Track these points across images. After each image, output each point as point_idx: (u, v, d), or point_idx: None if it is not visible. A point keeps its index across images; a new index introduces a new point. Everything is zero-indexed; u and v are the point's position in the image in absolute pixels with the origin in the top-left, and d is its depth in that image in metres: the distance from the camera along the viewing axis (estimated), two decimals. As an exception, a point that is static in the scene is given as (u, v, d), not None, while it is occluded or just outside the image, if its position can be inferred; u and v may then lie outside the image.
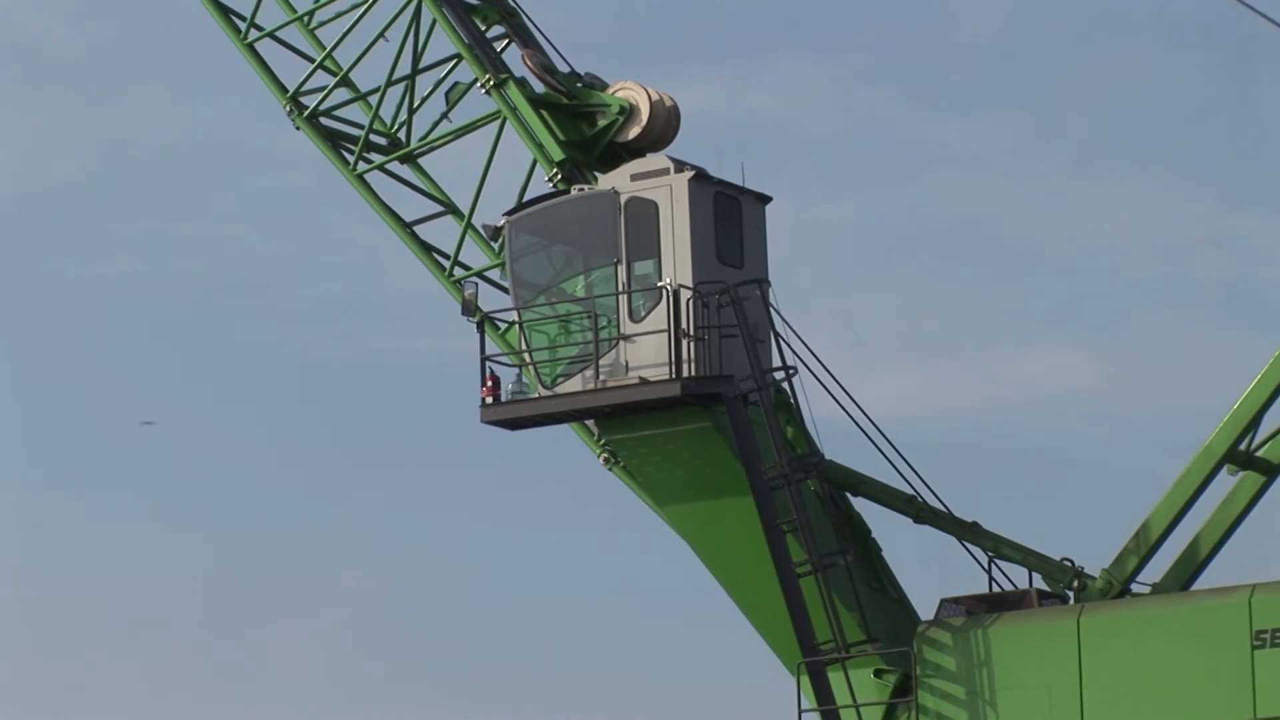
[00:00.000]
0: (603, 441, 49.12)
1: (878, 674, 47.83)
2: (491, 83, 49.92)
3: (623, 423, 48.65)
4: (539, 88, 50.14)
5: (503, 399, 49.12)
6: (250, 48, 51.89)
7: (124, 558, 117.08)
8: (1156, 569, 48.13)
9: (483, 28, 51.15)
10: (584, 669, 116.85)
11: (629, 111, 49.92)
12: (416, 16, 50.44)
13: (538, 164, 49.83)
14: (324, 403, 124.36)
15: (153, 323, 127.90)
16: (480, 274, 50.36)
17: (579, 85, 50.59)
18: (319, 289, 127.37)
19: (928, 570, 50.54)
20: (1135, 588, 48.11)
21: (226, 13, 52.16)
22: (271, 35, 51.97)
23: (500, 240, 49.58)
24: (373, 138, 51.46)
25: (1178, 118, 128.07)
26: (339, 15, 51.51)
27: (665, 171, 48.37)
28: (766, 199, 49.28)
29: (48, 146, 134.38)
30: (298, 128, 51.71)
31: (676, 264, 48.13)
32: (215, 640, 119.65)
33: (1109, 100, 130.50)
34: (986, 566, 48.97)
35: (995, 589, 48.78)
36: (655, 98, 49.93)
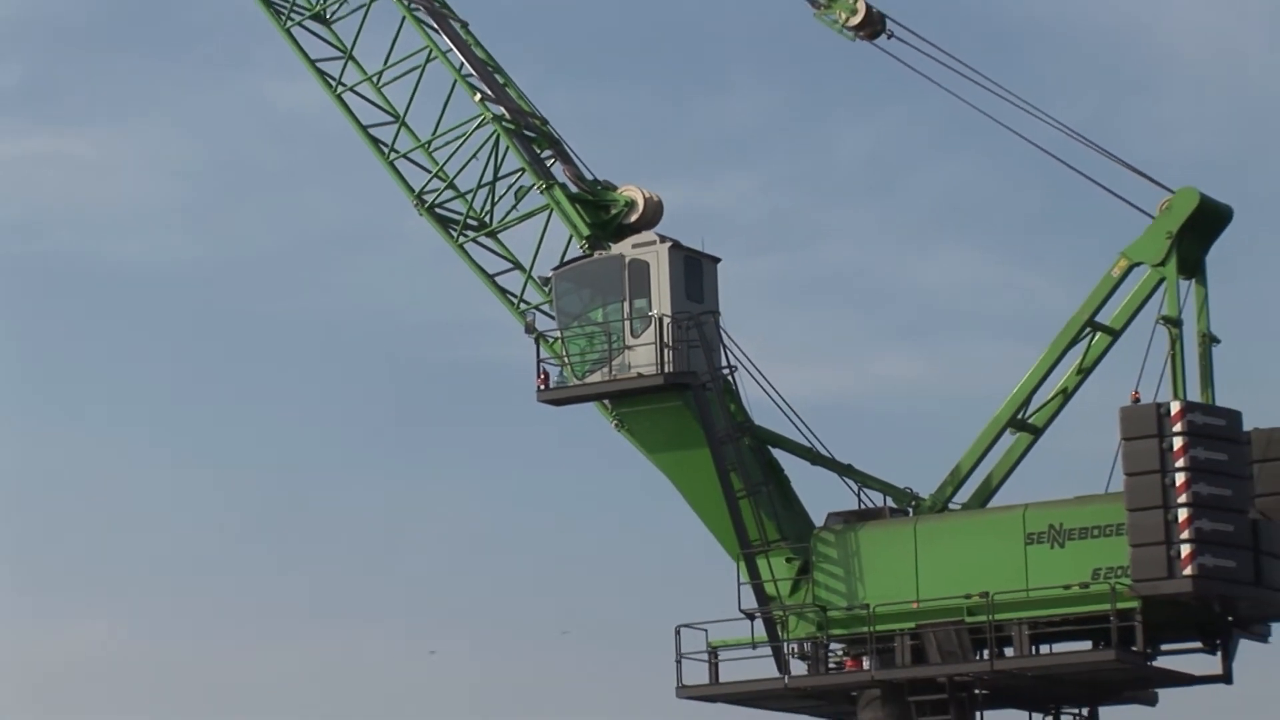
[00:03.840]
0: (614, 414, 50.41)
1: (788, 560, 49.47)
2: (544, 186, 51.19)
3: (627, 402, 50.18)
4: (573, 189, 51.45)
5: (551, 386, 50.55)
6: (391, 164, 52.76)
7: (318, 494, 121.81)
8: (964, 494, 49.91)
9: (538, 150, 52.21)
10: (595, 558, 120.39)
11: (631, 204, 51.27)
12: (496, 144, 51.52)
13: (573, 238, 51.16)
14: (436, 391, 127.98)
15: (324, 342, 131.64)
16: (536, 307, 51.59)
17: (598, 187, 51.82)
18: (432, 317, 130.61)
19: (819, 494, 51.25)
20: (951, 506, 49.74)
21: (376, 141, 52.96)
22: (404, 156, 52.80)
23: (549, 285, 51.16)
24: (468, 220, 52.14)
25: (984, 206, 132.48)
26: (448, 143, 52.16)
27: (654, 242, 49.94)
28: (717, 259, 50.79)
29: (257, 226, 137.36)
30: (420, 215, 52.38)
31: (661, 301, 49.57)
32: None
33: (939, 194, 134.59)
34: (857, 492, 50.48)
35: (863, 506, 50.34)
36: (648, 195, 51.34)
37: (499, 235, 52.26)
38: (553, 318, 51.20)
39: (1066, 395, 49.49)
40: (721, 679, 50.31)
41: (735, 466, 49.08)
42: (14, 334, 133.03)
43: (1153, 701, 50.59)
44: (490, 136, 51.62)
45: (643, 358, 49.55)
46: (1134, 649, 46.49)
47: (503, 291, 52.19)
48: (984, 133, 51.19)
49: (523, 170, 51.53)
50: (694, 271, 50.38)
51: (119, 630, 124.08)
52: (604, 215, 51.41)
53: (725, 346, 50.23)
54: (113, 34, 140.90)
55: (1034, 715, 50.12)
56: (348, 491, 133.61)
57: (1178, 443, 45.54)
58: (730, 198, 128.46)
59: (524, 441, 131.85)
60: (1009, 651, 47.72)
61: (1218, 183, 49.90)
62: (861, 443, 51.17)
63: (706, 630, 50.09)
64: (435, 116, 52.46)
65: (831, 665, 49.84)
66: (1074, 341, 49.03)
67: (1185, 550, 45.13)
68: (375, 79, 53.19)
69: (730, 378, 50.29)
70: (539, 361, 50.82)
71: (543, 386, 50.62)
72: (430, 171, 52.36)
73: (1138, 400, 46.87)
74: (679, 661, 50.06)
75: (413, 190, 52.40)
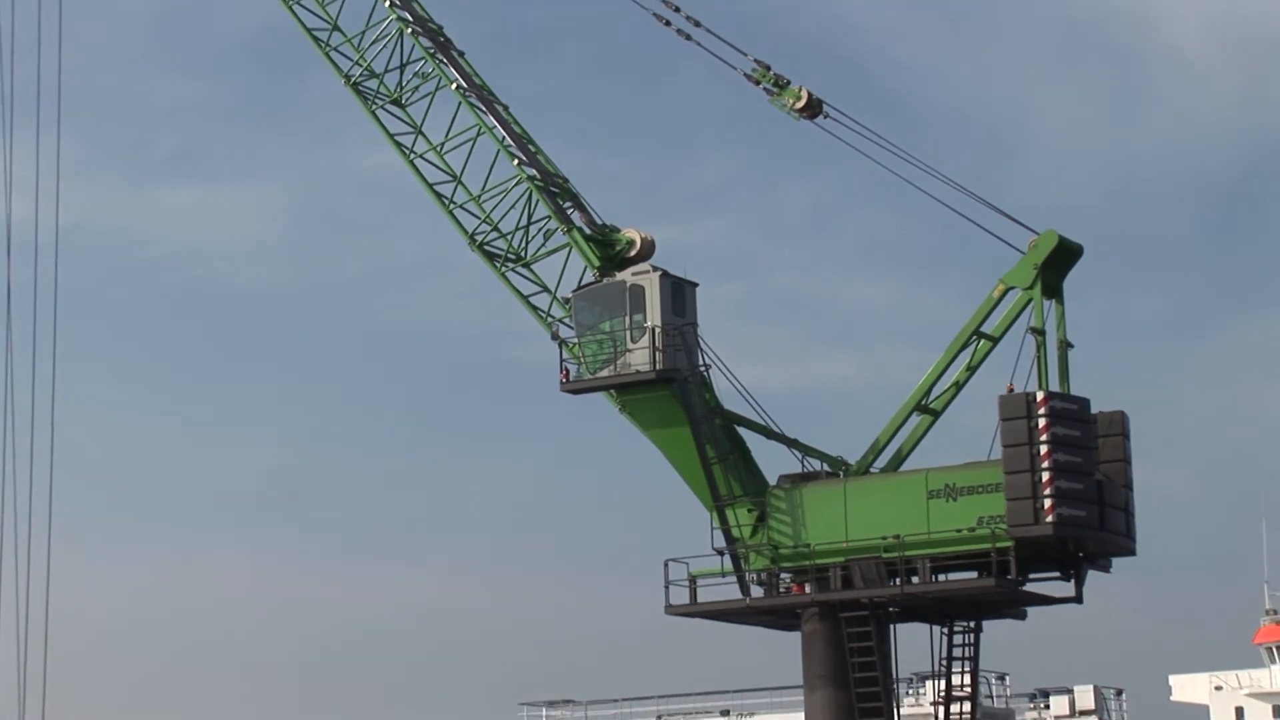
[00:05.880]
0: (618, 400, 51.51)
1: (749, 510, 50.60)
2: (565, 229, 52.13)
3: (628, 392, 51.13)
4: (587, 232, 52.42)
5: (570, 380, 51.56)
6: (450, 212, 53.08)
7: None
8: (882, 461, 50.93)
9: (561, 202, 52.99)
10: (603, 509, 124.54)
11: (631, 243, 52.31)
12: (530, 198, 52.23)
13: (587, 268, 52.10)
14: (482, 383, 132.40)
15: (398, 347, 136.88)
16: (559, 320, 52.33)
17: (606, 230, 52.71)
18: (481, 328, 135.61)
19: (772, 461, 52.04)
20: (872, 470, 50.76)
21: (439, 195, 53.17)
22: (460, 206, 53.01)
23: (569, 304, 52.10)
24: (508, 255, 52.64)
25: (896, 244, 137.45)
26: (493, 196, 52.62)
27: (648, 271, 51.19)
28: (695, 284, 51.89)
29: (347, 258, 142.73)
30: (472, 251, 52.81)
31: (653, 315, 50.65)
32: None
33: (862, 235, 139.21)
34: (800, 460, 51.46)
35: (805, 470, 51.33)
36: (644, 235, 52.49)
37: (531, 266, 52.84)
38: (572, 328, 51.85)
39: (958, 387, 50.47)
40: (699, 600, 51.27)
41: (710, 440, 50.46)
42: (170, 336, 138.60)
43: (1023, 616, 51.90)
44: (525, 192, 52.37)
45: (640, 358, 50.55)
46: (1009, 577, 47.62)
47: (534, 308, 52.79)
48: (895, 188, 51.64)
49: (549, 217, 52.31)
50: (678, 293, 51.26)
51: (250, 563, 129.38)
52: (611, 251, 52.22)
53: (702, 350, 51.17)
54: (241, 114, 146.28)
55: (934, 627, 50.76)
56: (415, 459, 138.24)
57: (1041, 422, 46.76)
58: (705, 238, 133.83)
59: (550, 421, 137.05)
60: (915, 579, 48.71)
61: (1072, 226, 50.67)
62: (804, 422, 52.66)
63: (688, 563, 51.20)
64: (483, 176, 53.04)
65: (782, 589, 50.60)
66: (964, 346, 50.08)
67: (1047, 503, 46.42)
68: (438, 148, 53.45)
69: (706, 373, 51.21)
70: (561, 361, 51.74)
71: (565, 380, 51.57)
72: (480, 218, 52.92)
73: (1012, 390, 47.90)
74: (667, 587, 50.98)
75: (466, 232, 52.98)
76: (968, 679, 50.88)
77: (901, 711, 52.63)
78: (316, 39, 54.72)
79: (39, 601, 42.45)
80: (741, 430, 51.80)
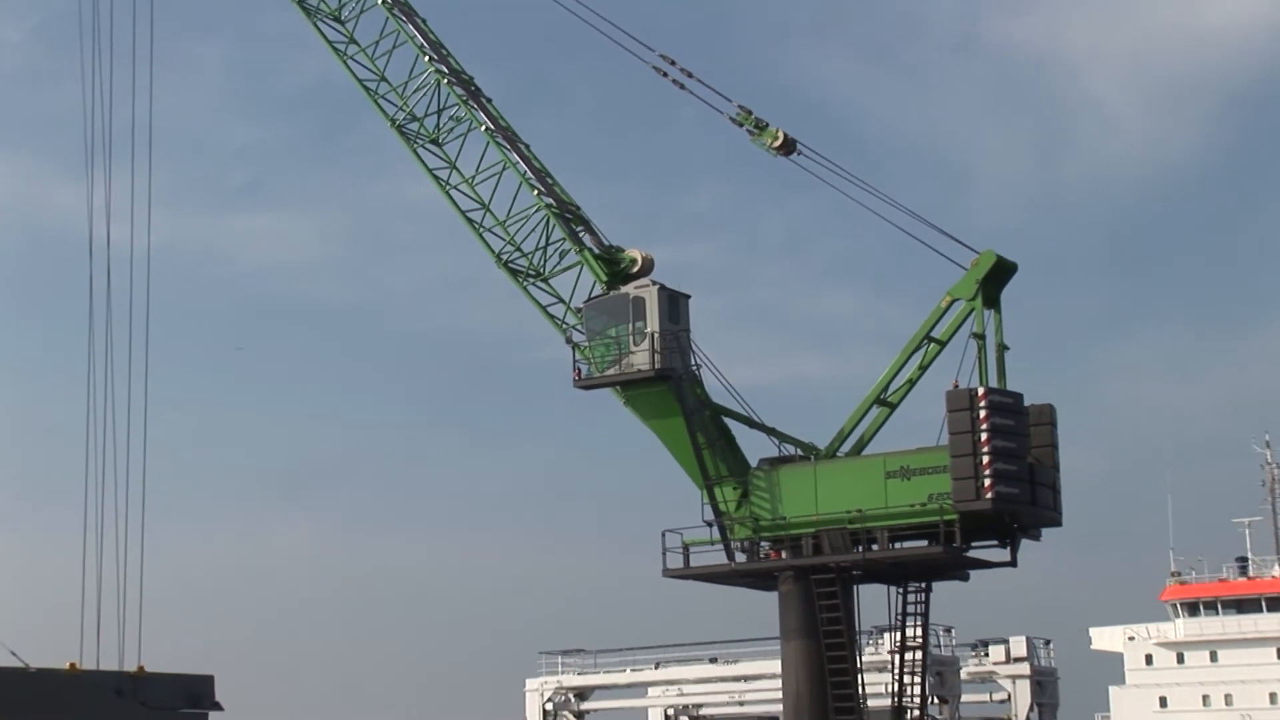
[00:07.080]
0: (623, 395, 52.36)
1: (734, 488, 51.58)
2: (578, 249, 53.06)
3: (631, 388, 51.98)
4: (597, 251, 53.32)
5: (582, 378, 52.22)
6: (480, 235, 53.79)
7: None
8: (846, 446, 51.57)
9: (574, 226, 53.78)
10: (610, 487, 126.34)
11: (634, 261, 53.01)
12: (548, 223, 53.12)
13: (596, 282, 52.83)
14: (510, 380, 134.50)
15: (434, 350, 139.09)
16: (573, 327, 53.09)
17: (613, 249, 53.61)
18: (505, 333, 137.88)
19: (754, 446, 53.04)
20: (838, 454, 51.47)
21: (470, 220, 53.97)
22: (488, 230, 53.69)
23: (581, 313, 52.93)
24: (529, 271, 53.36)
25: (858, 262, 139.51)
26: (516, 221, 53.38)
27: (648, 285, 52.03)
28: (688, 296, 52.79)
29: (391, 275, 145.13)
30: (499, 268, 53.62)
31: (652, 322, 51.38)
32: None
33: (830, 255, 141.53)
34: (778, 446, 52.44)
35: (781, 454, 52.20)
36: (645, 254, 53.25)
37: (549, 280, 53.65)
38: (583, 333, 52.79)
39: (912, 383, 51.45)
40: (691, 564, 52.12)
41: (700, 429, 51.45)
42: (238, 339, 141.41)
43: (966, 578, 52.86)
44: (543, 218, 53.32)
45: (641, 359, 51.50)
46: (954, 545, 48.68)
47: (551, 317, 53.62)
48: (858, 215, 52.43)
49: (564, 239, 53.26)
50: (674, 304, 52.15)
51: (318, 531, 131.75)
52: (616, 268, 53.03)
53: (694, 352, 52.25)
54: (303, 151, 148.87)
55: (890, 588, 51.65)
56: (448, 445, 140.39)
57: (982, 413, 47.96)
58: (697, 257, 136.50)
59: (565, 412, 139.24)
60: (875, 547, 49.65)
61: (1008, 246, 51.54)
62: (780, 414, 53.44)
63: (681, 533, 52.13)
64: (508, 204, 53.99)
65: (761, 556, 51.57)
66: (916, 349, 51.05)
67: (987, 482, 47.60)
68: (470, 180, 54.31)
69: (697, 372, 52.17)
70: (574, 361, 52.70)
71: (577, 378, 52.57)
72: (505, 240, 53.79)
73: (957, 386, 49.04)
74: (664, 553, 51.93)
75: (494, 251, 53.80)
76: (919, 631, 51.80)
77: (863, 659, 53.13)
78: (366, 88, 55.46)
79: (135, 565, 45.22)
80: (728, 420, 52.80)
